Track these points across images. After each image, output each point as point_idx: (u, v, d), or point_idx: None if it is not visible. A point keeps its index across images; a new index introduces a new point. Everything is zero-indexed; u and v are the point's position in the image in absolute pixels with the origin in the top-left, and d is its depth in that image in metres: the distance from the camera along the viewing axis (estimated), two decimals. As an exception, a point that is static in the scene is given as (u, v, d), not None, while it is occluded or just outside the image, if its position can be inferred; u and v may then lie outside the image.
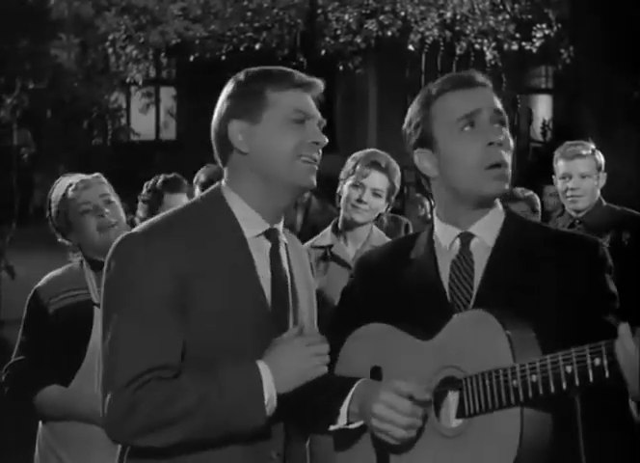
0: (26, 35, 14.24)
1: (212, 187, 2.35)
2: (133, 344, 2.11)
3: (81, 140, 15.79)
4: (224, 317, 2.17)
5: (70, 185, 3.25)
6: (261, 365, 2.12)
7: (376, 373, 2.14)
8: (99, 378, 3.04)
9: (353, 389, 2.09)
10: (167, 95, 18.74)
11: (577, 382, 1.79)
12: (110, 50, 14.89)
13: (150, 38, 14.40)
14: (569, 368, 1.79)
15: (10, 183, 14.87)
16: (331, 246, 4.01)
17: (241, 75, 2.30)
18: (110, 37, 14.49)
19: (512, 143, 2.15)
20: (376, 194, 3.94)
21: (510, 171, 2.13)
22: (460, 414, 1.99)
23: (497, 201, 2.20)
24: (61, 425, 3.14)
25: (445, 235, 2.19)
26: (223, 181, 2.32)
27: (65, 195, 3.24)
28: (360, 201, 3.92)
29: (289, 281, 2.31)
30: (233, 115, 2.26)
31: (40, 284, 3.22)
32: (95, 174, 3.34)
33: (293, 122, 2.23)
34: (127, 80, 15.37)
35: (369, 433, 2.10)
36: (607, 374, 1.76)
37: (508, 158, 2.12)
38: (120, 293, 2.16)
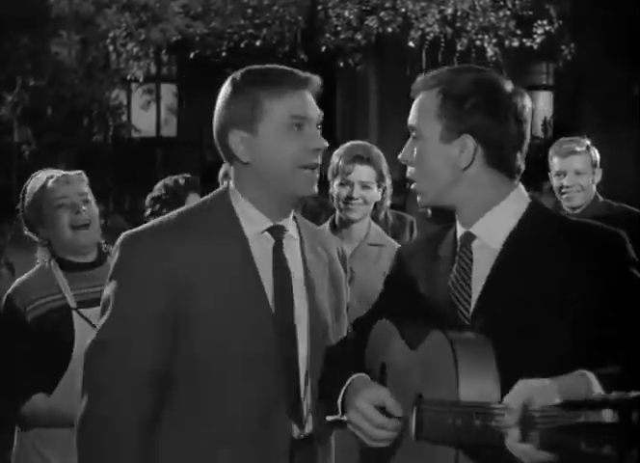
0: (27, 32, 14.24)
1: (222, 187, 2.36)
2: (118, 350, 2.19)
3: (82, 137, 15.78)
4: (224, 320, 2.18)
5: (51, 177, 3.20)
6: None
7: (383, 370, 2.13)
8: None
9: (348, 382, 2.09)
10: (168, 91, 18.73)
11: (484, 439, 1.68)
12: (111, 47, 14.88)
13: (151, 35, 14.38)
14: (477, 422, 1.69)
15: (10, 180, 14.87)
16: None
17: (238, 77, 2.27)
18: (111, 34, 14.49)
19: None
20: (365, 187, 3.90)
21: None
22: (415, 435, 1.94)
23: (513, 194, 2.10)
24: (47, 430, 3.09)
25: (459, 232, 2.15)
26: (231, 181, 2.33)
27: (44, 186, 3.18)
28: (350, 197, 3.90)
29: (302, 278, 2.31)
30: (232, 124, 2.25)
31: (10, 290, 3.12)
32: (78, 171, 3.29)
33: (290, 129, 2.21)
34: (128, 77, 15.36)
35: None
36: (491, 439, 1.66)
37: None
38: (114, 298, 2.22)
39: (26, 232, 3.25)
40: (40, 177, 3.23)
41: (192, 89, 17.06)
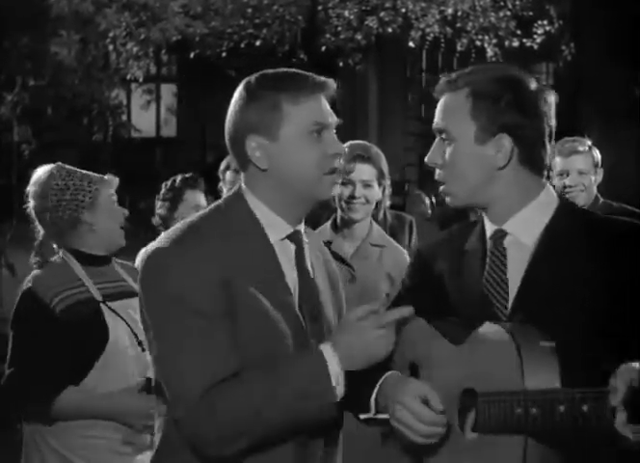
0: (26, 32, 14.25)
1: (233, 191, 2.32)
2: (197, 358, 2.09)
3: (81, 137, 15.79)
4: (260, 323, 2.16)
5: (105, 177, 3.25)
6: (324, 346, 2.08)
7: (414, 370, 2.13)
8: (120, 375, 3.05)
9: (381, 380, 2.09)
10: (167, 91, 18.75)
11: (568, 423, 1.74)
12: (110, 47, 14.90)
13: (151, 34, 14.39)
14: (561, 408, 1.74)
15: (10, 180, 14.88)
16: (329, 243, 3.97)
17: (253, 82, 2.24)
18: (110, 34, 14.49)
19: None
20: (367, 185, 3.91)
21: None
22: (474, 428, 1.95)
23: (544, 192, 2.12)
24: (62, 426, 3.10)
25: (488, 229, 2.16)
26: (243, 185, 2.29)
27: (103, 179, 3.22)
28: (352, 197, 3.90)
29: (315, 282, 2.31)
30: (250, 129, 2.20)
31: (31, 284, 3.10)
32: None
33: (311, 135, 2.19)
34: (128, 77, 15.37)
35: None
36: (594, 422, 1.71)
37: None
38: (171, 307, 2.12)
39: (48, 214, 3.19)
40: (84, 172, 3.25)
41: (192, 89, 17.08)
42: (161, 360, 2.15)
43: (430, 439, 1.97)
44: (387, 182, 4.02)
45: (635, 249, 2.00)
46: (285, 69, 2.27)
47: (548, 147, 2.11)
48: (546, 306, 1.99)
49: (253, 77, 2.25)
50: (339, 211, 3.99)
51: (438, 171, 2.14)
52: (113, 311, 3.11)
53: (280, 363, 2.10)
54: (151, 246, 2.22)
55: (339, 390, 2.07)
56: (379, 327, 2.06)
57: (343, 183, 3.87)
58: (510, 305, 2.06)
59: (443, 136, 2.12)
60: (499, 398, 1.85)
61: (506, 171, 2.08)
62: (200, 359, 2.09)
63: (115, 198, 3.25)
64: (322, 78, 2.23)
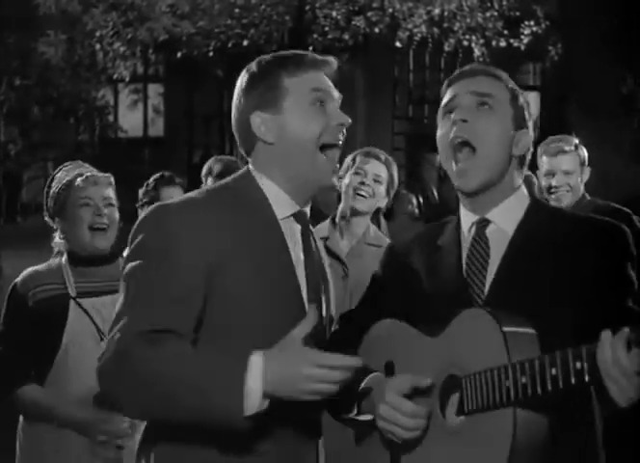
0: (13, 31, 14.20)
1: (241, 171, 2.33)
2: (144, 302, 2.05)
3: (68, 137, 15.74)
4: (254, 299, 2.13)
5: (81, 175, 3.25)
6: (255, 357, 1.94)
7: (389, 368, 2.17)
8: (73, 376, 3.07)
9: (363, 382, 2.12)
10: (154, 91, 18.69)
11: (561, 384, 1.78)
12: (97, 47, 14.85)
13: (138, 34, 14.35)
14: (553, 371, 1.79)
15: (-3, 180, 14.84)
16: (326, 238, 4.01)
17: (254, 66, 2.31)
18: (97, 33, 14.44)
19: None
20: (377, 180, 4.02)
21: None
22: (459, 411, 2.00)
23: (522, 185, 2.24)
24: (38, 424, 3.13)
25: (466, 222, 2.23)
26: (250, 166, 2.31)
27: (71, 183, 3.24)
28: (362, 183, 3.99)
29: (322, 263, 2.34)
30: (253, 107, 2.25)
31: (19, 278, 3.22)
32: (107, 174, 3.35)
33: (313, 104, 2.24)
34: (115, 77, 15.32)
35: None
36: (587, 378, 1.76)
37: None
38: (149, 256, 2.09)
39: (46, 219, 3.31)
40: (69, 172, 3.29)
41: (179, 89, 17.04)
42: (120, 298, 2.10)
43: (413, 432, 2.02)
44: (393, 192, 4.12)
45: (602, 243, 2.08)
46: (284, 51, 2.35)
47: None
48: (522, 293, 2.06)
49: (253, 62, 2.33)
50: (343, 202, 4.06)
51: (464, 127, 2.18)
52: (81, 307, 3.12)
53: (210, 356, 1.99)
54: (156, 204, 2.22)
55: (251, 404, 1.92)
56: (319, 367, 1.91)
57: (356, 173, 4.00)
58: (486, 290, 2.12)
59: (486, 100, 2.20)
60: (486, 375, 1.91)
61: (513, 161, 2.22)
62: (148, 304, 2.04)
63: (87, 200, 3.23)
64: (322, 56, 2.30)
